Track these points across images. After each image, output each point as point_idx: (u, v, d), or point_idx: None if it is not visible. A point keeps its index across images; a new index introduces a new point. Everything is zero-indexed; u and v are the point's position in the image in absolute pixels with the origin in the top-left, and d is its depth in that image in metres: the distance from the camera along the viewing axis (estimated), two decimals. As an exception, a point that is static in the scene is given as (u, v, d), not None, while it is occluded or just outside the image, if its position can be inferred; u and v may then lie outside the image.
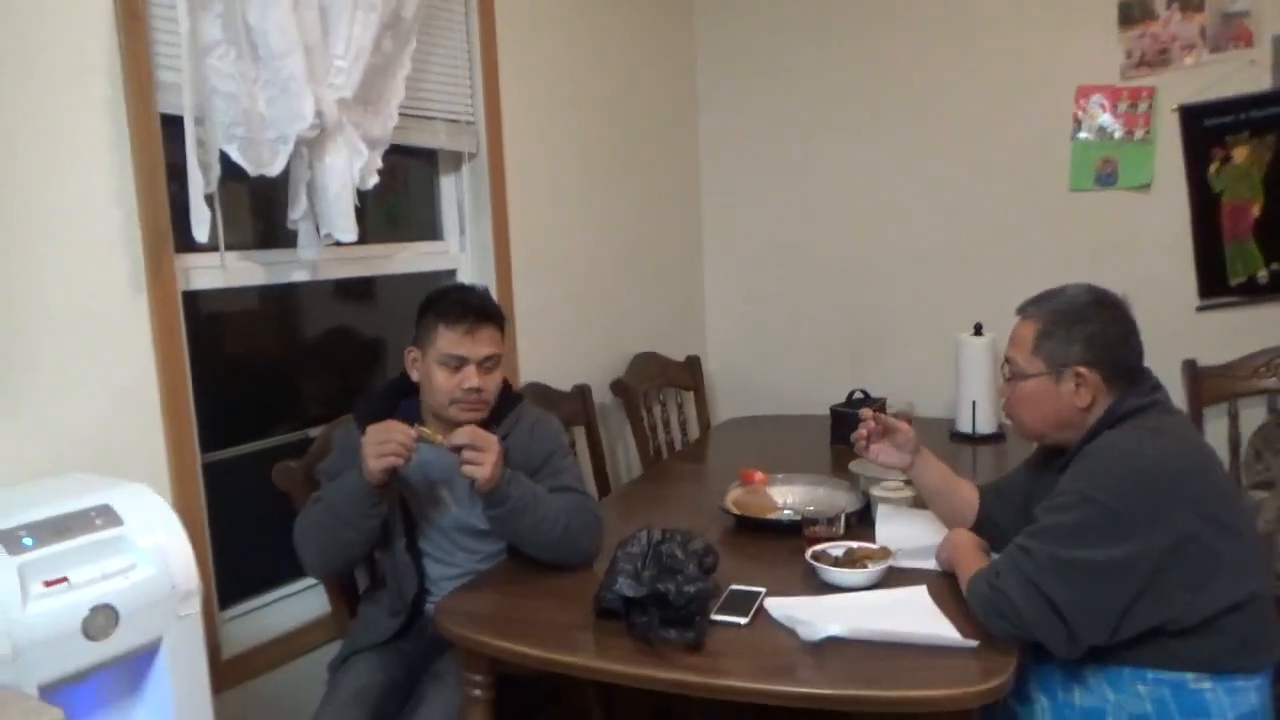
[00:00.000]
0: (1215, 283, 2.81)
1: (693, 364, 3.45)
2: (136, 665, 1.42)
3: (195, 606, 1.45)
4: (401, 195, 2.51)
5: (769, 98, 3.46)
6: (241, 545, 2.05)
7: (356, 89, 1.98)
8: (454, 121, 2.46)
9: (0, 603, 1.23)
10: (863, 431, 1.82)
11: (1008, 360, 1.66)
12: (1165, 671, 1.44)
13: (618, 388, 3.01)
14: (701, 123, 3.61)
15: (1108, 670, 1.47)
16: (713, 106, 3.58)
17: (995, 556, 1.65)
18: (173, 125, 1.74)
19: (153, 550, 1.40)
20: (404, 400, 1.95)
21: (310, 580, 2.20)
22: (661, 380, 3.25)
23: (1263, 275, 2.78)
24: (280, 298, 2.25)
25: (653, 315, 3.37)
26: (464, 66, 2.48)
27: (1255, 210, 2.76)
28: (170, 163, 1.76)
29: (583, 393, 2.82)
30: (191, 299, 1.91)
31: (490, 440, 1.76)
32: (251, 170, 1.81)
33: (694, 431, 3.41)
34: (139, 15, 1.68)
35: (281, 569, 2.19)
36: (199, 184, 1.72)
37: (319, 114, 1.87)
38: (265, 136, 1.82)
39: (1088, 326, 1.55)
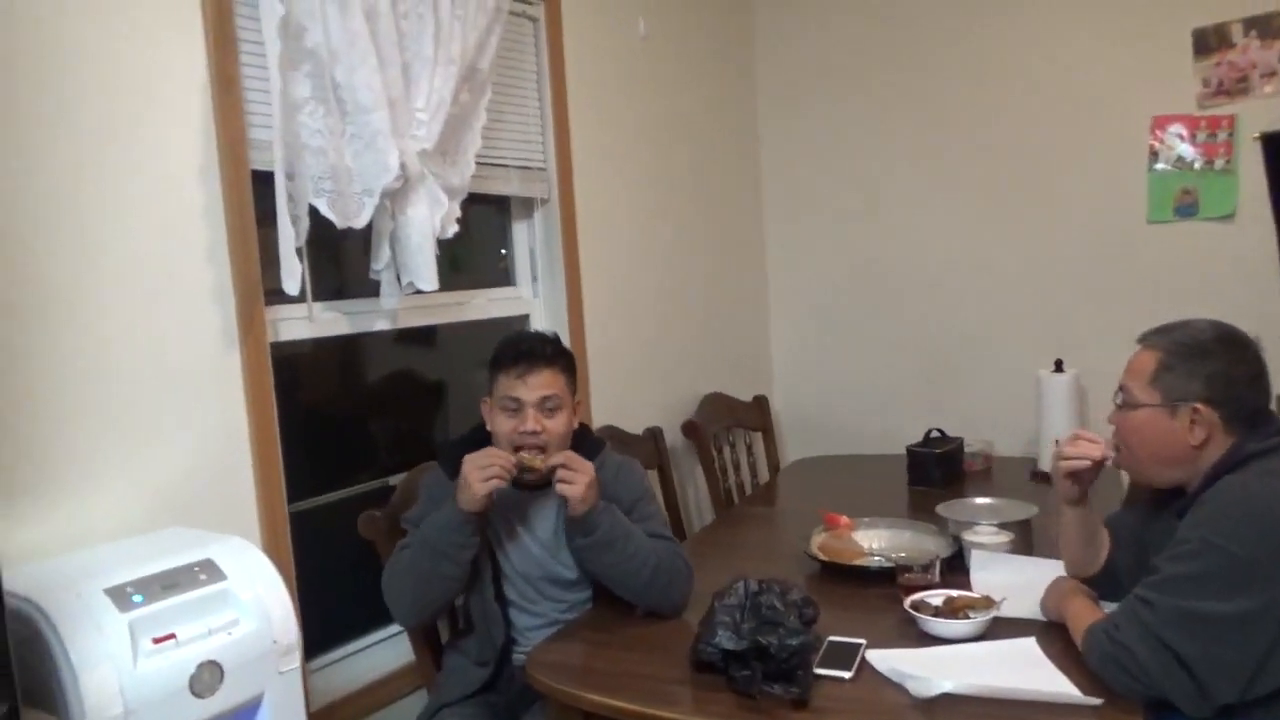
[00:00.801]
0: (1307, 314, 2.71)
1: (761, 404, 3.42)
2: (238, 721, 1.41)
3: (296, 661, 1.44)
4: (470, 242, 2.53)
5: (833, 135, 3.46)
6: (323, 595, 2.05)
7: (437, 140, 2.00)
8: (526, 168, 2.48)
9: (112, 660, 1.23)
10: (1096, 455, 1.64)
11: (1122, 388, 1.59)
12: None
13: (689, 429, 2.98)
14: (765, 161, 3.61)
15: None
16: (776, 145, 3.58)
17: (1105, 605, 1.59)
18: (262, 181, 1.78)
19: (254, 605, 1.40)
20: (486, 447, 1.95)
21: (391, 630, 2.19)
22: (730, 421, 3.22)
23: (1357, 305, 2.69)
24: (345, 346, 2.27)
25: (720, 355, 3.35)
26: (535, 114, 2.50)
27: (1346, 239, 2.68)
28: (258, 216, 1.79)
29: (655, 435, 2.80)
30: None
31: (585, 463, 1.77)
32: (339, 223, 1.83)
33: (763, 472, 3.37)
34: (233, 78, 1.72)
35: (363, 618, 2.18)
36: (289, 237, 1.75)
37: (402, 166, 1.90)
38: (352, 190, 1.85)
39: (1211, 364, 1.49)
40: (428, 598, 1.86)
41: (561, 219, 2.57)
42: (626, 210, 2.87)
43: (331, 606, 2.11)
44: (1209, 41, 2.79)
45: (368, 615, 2.18)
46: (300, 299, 1.88)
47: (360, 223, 1.87)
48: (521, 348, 1.86)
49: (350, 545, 2.01)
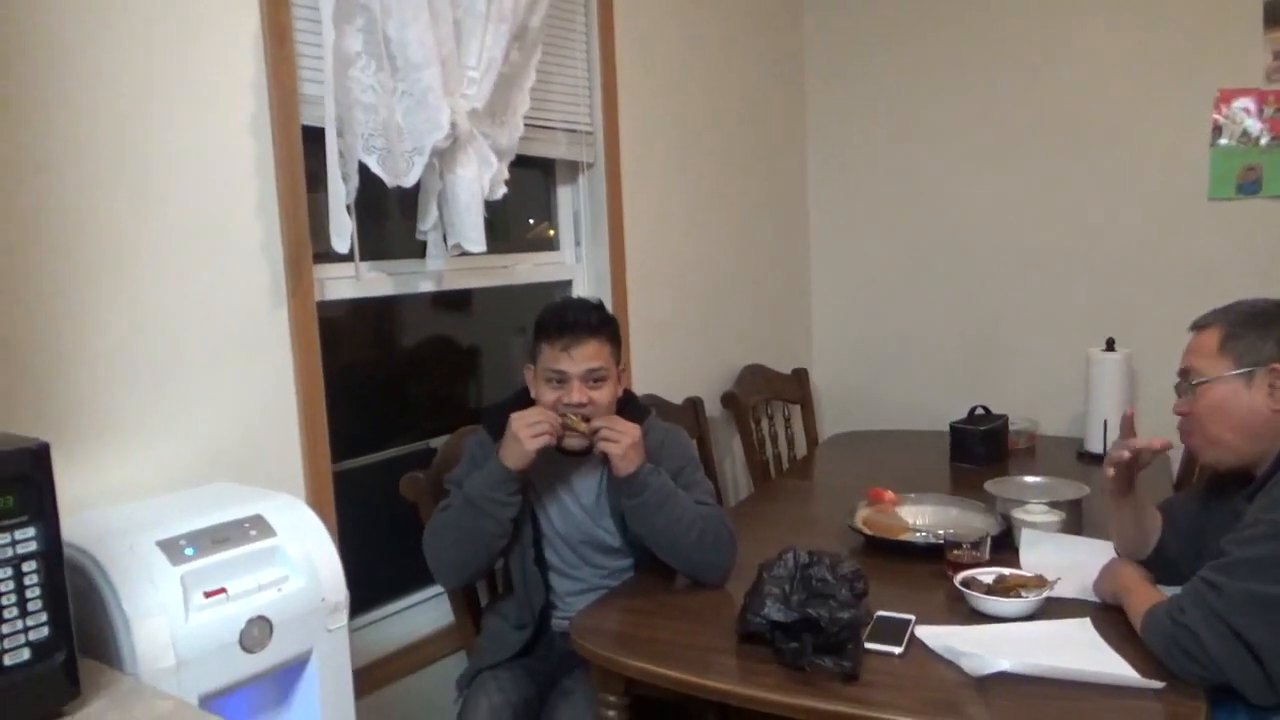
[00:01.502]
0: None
1: (800, 377, 3.38)
2: (285, 677, 1.41)
3: (343, 619, 1.44)
4: (512, 206, 2.51)
5: (881, 106, 3.38)
6: (364, 555, 2.06)
7: (487, 99, 1.97)
8: (573, 131, 2.44)
9: (165, 612, 1.23)
10: (1125, 454, 1.58)
11: (1185, 372, 1.53)
12: None
13: (728, 400, 2.96)
14: (811, 134, 3.54)
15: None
16: (822, 117, 3.51)
17: (1162, 589, 1.55)
18: (311, 138, 1.76)
19: (303, 562, 1.40)
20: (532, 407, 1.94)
21: (431, 591, 2.20)
22: (769, 393, 3.19)
23: None
24: (383, 309, 2.26)
25: (760, 327, 3.31)
26: (584, 77, 2.46)
27: None
28: (307, 174, 1.77)
29: (695, 405, 2.78)
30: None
31: (628, 424, 1.77)
32: (389, 181, 1.81)
33: (800, 445, 3.33)
34: (285, 30, 1.70)
35: (403, 579, 2.19)
36: (340, 194, 1.73)
37: (453, 124, 1.87)
38: (402, 148, 1.83)
39: (1279, 328, 1.45)
40: (469, 557, 1.86)
41: (607, 184, 2.54)
42: (671, 178, 2.83)
43: (373, 567, 2.12)
44: (1281, 12, 2.69)
45: (408, 576, 2.18)
46: (348, 258, 1.86)
47: (409, 181, 1.85)
48: (567, 318, 1.83)
49: (391, 506, 2.01)
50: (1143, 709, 1.30)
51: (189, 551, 1.29)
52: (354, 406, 2.16)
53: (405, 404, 2.38)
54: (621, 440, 1.75)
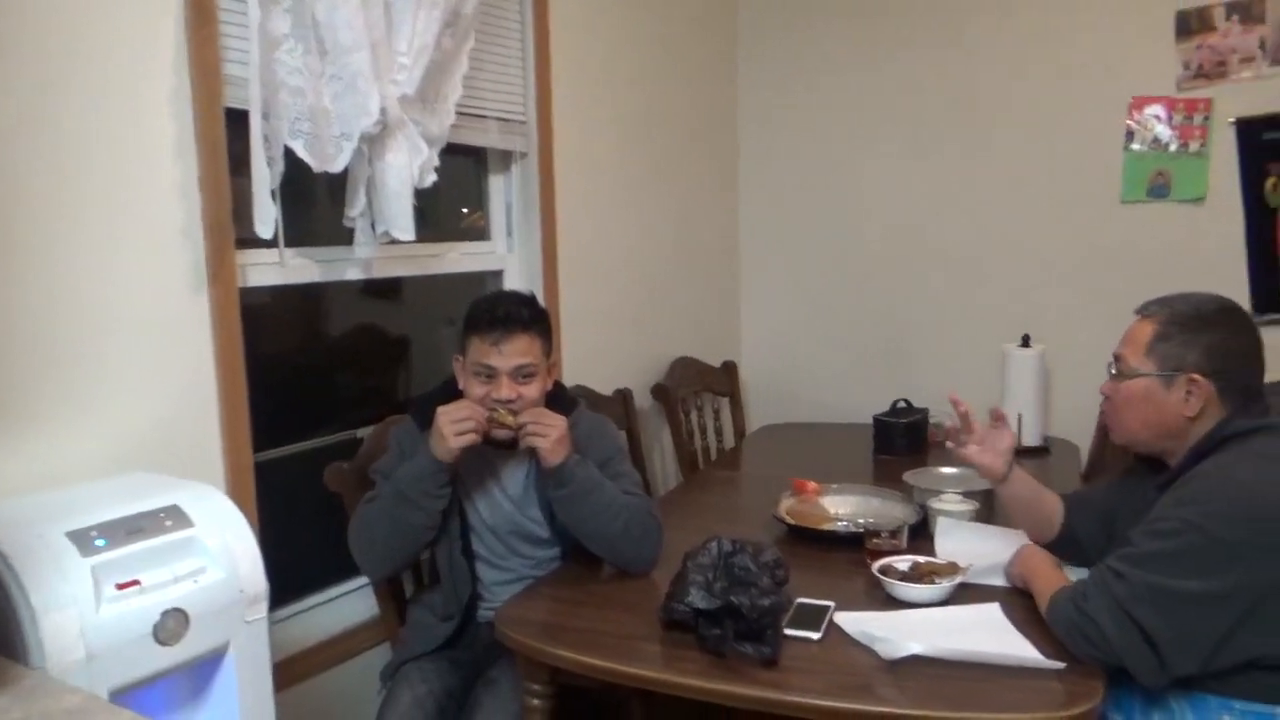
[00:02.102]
0: (1269, 298, 2.76)
1: (729, 370, 3.42)
2: (202, 670, 1.39)
3: (262, 611, 1.42)
4: (442, 195, 2.49)
5: (810, 101, 3.43)
6: (286, 546, 2.03)
7: (418, 86, 1.95)
8: (506, 121, 2.43)
9: (75, 605, 1.20)
10: (950, 426, 1.76)
11: (1117, 358, 1.59)
12: (1253, 703, 1.39)
13: (658, 392, 2.98)
14: (741, 127, 3.58)
15: (1193, 697, 1.43)
16: (753, 113, 3.55)
17: (1069, 571, 1.62)
18: (236, 120, 1.72)
19: (222, 553, 1.38)
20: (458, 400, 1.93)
21: (355, 583, 2.17)
22: (698, 385, 3.22)
23: (1318, 292, 2.74)
24: (309, 297, 2.22)
25: (690, 320, 3.34)
26: (517, 66, 2.45)
27: (1312, 226, 2.73)
28: (231, 157, 1.73)
29: (624, 397, 2.80)
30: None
31: (555, 416, 1.77)
32: (316, 167, 1.79)
33: (729, 437, 3.38)
34: (208, 8, 1.66)
35: (327, 571, 2.16)
36: (264, 178, 1.70)
37: (382, 110, 1.85)
38: (330, 133, 1.80)
39: (1211, 334, 1.48)
40: (396, 548, 1.85)
41: (540, 174, 2.53)
42: (605, 170, 2.83)
43: (295, 558, 2.09)
44: (1191, 24, 2.80)
45: (332, 568, 2.16)
46: (273, 244, 1.83)
47: (337, 167, 1.82)
48: (498, 312, 1.82)
49: (314, 497, 1.98)
50: (1044, 688, 1.36)
51: (100, 543, 1.26)
52: (278, 395, 2.12)
53: (331, 393, 2.35)
54: (549, 434, 1.75)
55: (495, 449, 1.87)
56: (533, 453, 1.81)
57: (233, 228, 1.74)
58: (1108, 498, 1.71)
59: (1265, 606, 1.35)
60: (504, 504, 1.93)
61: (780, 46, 3.46)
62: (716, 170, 3.50)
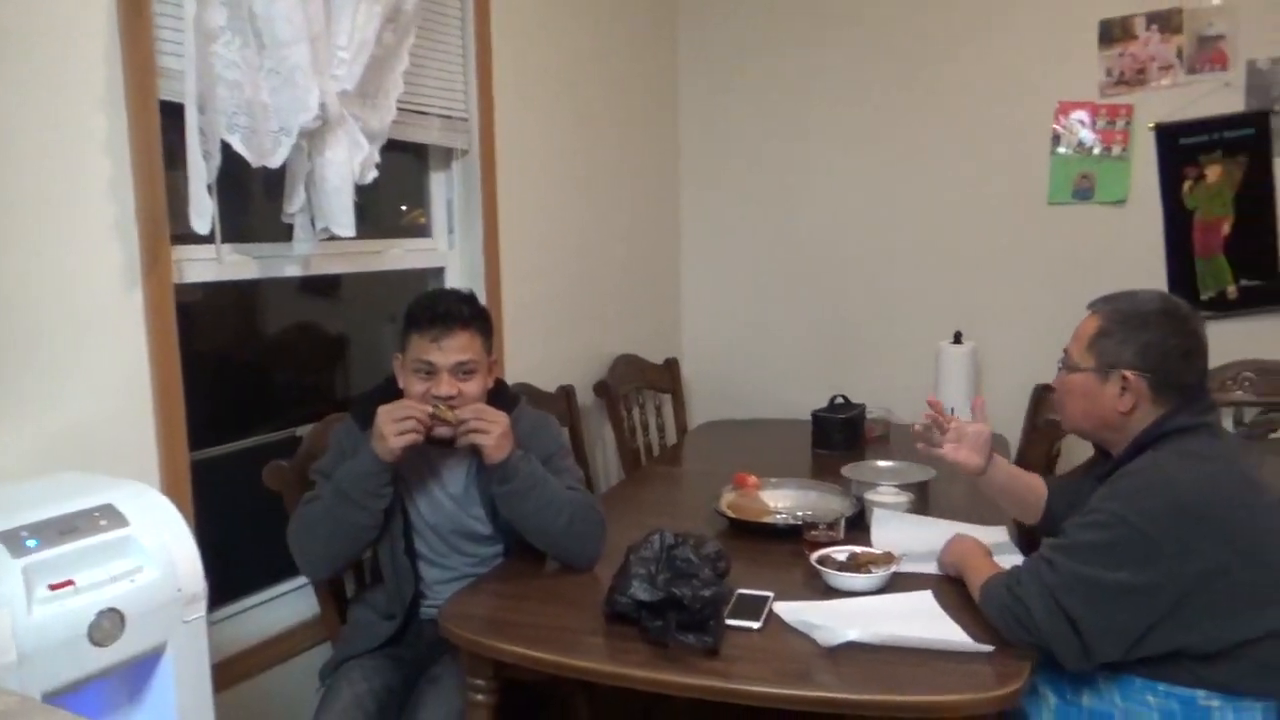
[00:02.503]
0: (1186, 297, 2.84)
1: (671, 367, 3.46)
2: (139, 671, 1.37)
3: (201, 610, 1.40)
4: (383, 191, 2.47)
5: (751, 103, 3.48)
6: (224, 546, 2.00)
7: (358, 81, 1.94)
8: (447, 117, 2.42)
9: (6, 606, 1.17)
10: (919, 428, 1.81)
11: (1065, 351, 1.66)
12: (1177, 686, 1.45)
13: (600, 389, 3.00)
14: (683, 127, 3.62)
15: (1120, 678, 1.49)
16: (694, 113, 3.59)
17: (1000, 559, 1.68)
18: (171, 114, 1.69)
19: (158, 552, 1.35)
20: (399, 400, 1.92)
21: (295, 583, 2.15)
22: (640, 383, 3.25)
23: (1232, 291, 2.87)
24: (247, 294, 2.19)
25: (632, 318, 3.36)
26: (458, 63, 2.45)
27: (1226, 228, 2.86)
28: (165, 151, 1.70)
29: (567, 394, 2.81)
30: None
31: (497, 413, 1.77)
32: (254, 161, 1.76)
33: (671, 434, 3.41)
34: (142, 2, 1.62)
35: (266, 571, 2.14)
36: (200, 173, 1.67)
37: (322, 105, 1.83)
38: (268, 127, 1.78)
39: (1147, 334, 1.53)
40: (338, 548, 1.84)
41: (481, 171, 2.53)
42: (547, 167, 2.84)
43: (234, 558, 2.06)
44: (1113, 32, 2.91)
45: (271, 567, 2.13)
46: (208, 239, 1.80)
47: (276, 162, 1.80)
48: (437, 309, 1.82)
49: (253, 496, 1.96)
50: (974, 670, 1.41)
51: (32, 543, 1.23)
52: (215, 393, 2.09)
53: (270, 391, 2.32)
54: (492, 430, 1.76)
55: (436, 447, 1.87)
56: (474, 450, 1.81)
57: (168, 223, 1.71)
58: (1079, 484, 1.76)
59: (1189, 602, 1.40)
60: (445, 503, 1.93)
61: (721, 47, 3.51)
62: (658, 168, 3.53)
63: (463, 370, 1.82)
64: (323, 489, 1.84)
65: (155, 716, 1.39)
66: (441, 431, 1.79)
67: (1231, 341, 2.78)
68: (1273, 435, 2.52)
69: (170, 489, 1.73)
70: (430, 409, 1.76)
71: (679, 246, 3.68)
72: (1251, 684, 1.44)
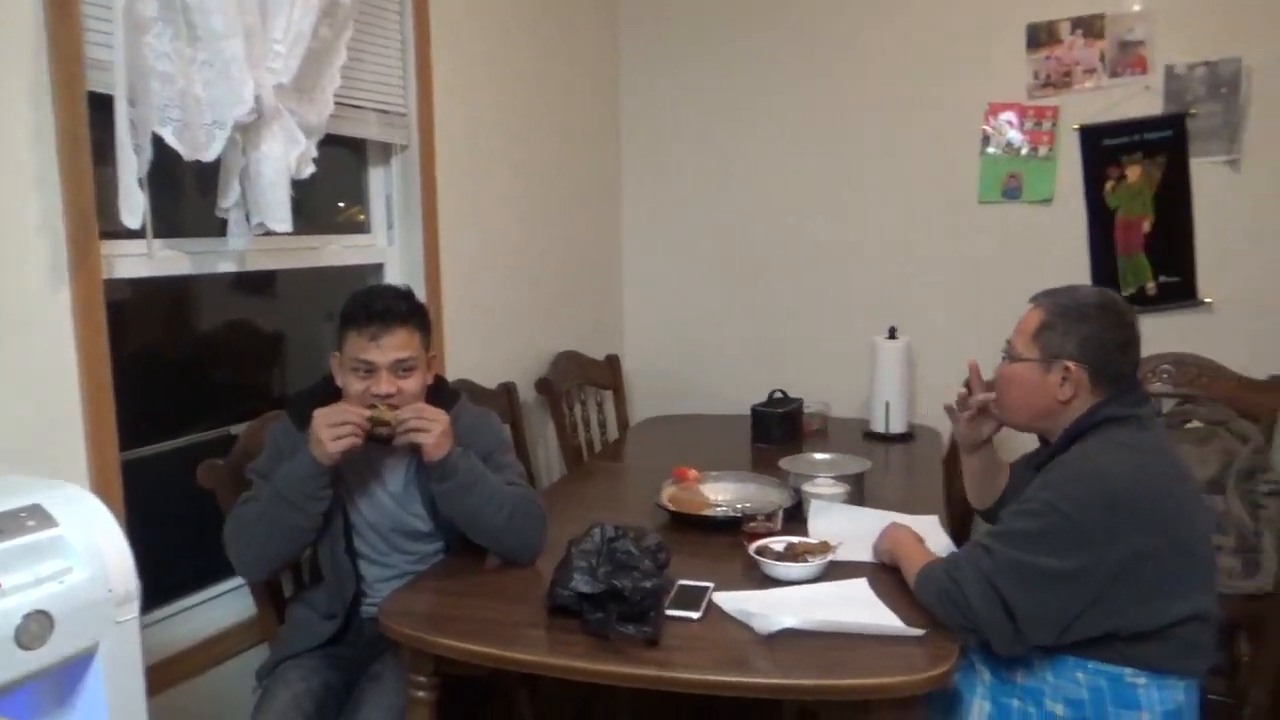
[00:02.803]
0: (1108, 293, 2.99)
1: (612, 363, 3.47)
2: (70, 674, 1.34)
3: (134, 611, 1.38)
4: (320, 187, 2.44)
5: (690, 103, 3.51)
6: (158, 547, 1.96)
7: (294, 75, 1.92)
8: (386, 113, 2.41)
9: (-72, 609, 1.14)
10: (965, 392, 1.86)
11: (1009, 342, 1.71)
12: (1106, 664, 1.51)
13: (542, 386, 3.00)
14: (624, 125, 3.64)
15: (1052, 657, 1.55)
16: (635, 110, 3.61)
17: (932, 547, 1.73)
18: (101, 107, 1.65)
19: (88, 552, 1.33)
20: (335, 400, 1.90)
21: (231, 584, 2.12)
22: (582, 379, 3.26)
23: (1151, 287, 2.99)
24: (180, 291, 2.15)
25: (574, 314, 3.37)
26: (397, 57, 2.43)
27: (1146, 226, 2.96)
28: (95, 144, 1.67)
29: (508, 391, 2.81)
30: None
31: (436, 411, 1.76)
32: (187, 155, 1.73)
33: (613, 430, 3.43)
34: (68, -13, 1.59)
35: (202, 571, 2.10)
36: (131, 166, 1.64)
37: (257, 99, 1.81)
38: (201, 120, 1.75)
39: (1088, 326, 1.60)
40: (276, 550, 1.82)
41: (421, 167, 2.51)
42: (486, 163, 2.83)
43: (169, 558, 2.03)
44: (1040, 36, 3.01)
45: (207, 568, 2.09)
46: (140, 234, 1.77)
47: (210, 155, 1.77)
48: (374, 306, 1.81)
49: (188, 496, 1.93)
50: (906, 653, 1.46)
51: (-45, 544, 1.20)
52: (147, 392, 2.05)
53: (204, 389, 2.28)
54: (432, 429, 1.75)
55: (376, 445, 1.86)
56: (414, 449, 1.81)
57: (96, 219, 1.67)
58: (1021, 473, 1.82)
59: (1117, 587, 1.47)
60: (386, 501, 1.93)
61: (661, 45, 3.53)
62: (600, 166, 3.54)
63: (401, 368, 1.81)
64: (259, 489, 1.82)
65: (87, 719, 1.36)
66: (381, 432, 1.78)
67: (1150, 335, 2.85)
68: (1188, 425, 2.63)
69: (101, 489, 1.69)
70: (368, 412, 1.75)
71: (620, 244, 3.70)
72: (1175, 663, 1.51)
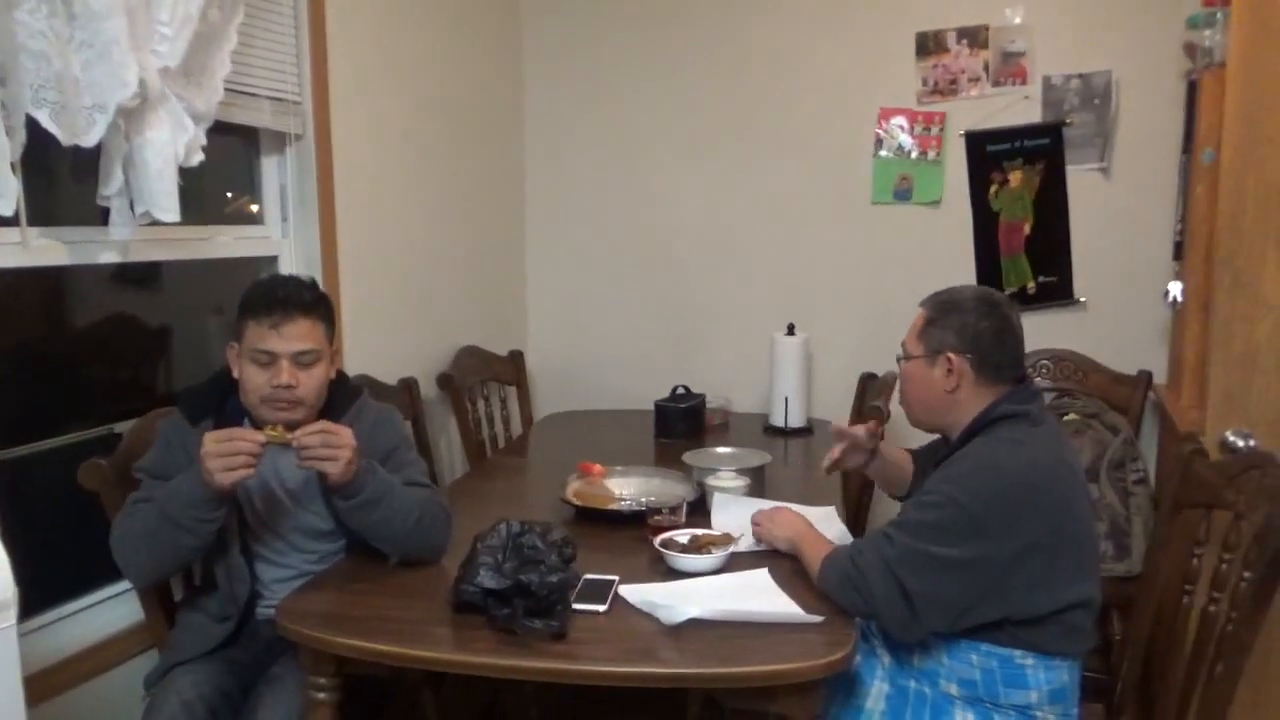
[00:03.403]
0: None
1: (515, 359, 3.45)
2: (-60, 687, 1.26)
3: (11, 619, 1.31)
4: (210, 177, 2.35)
5: (594, 98, 3.52)
6: (34, 551, 1.86)
7: (181, 59, 1.84)
8: (279, 100, 2.33)
9: None
10: (836, 454, 1.99)
11: (902, 344, 1.78)
12: (997, 647, 1.59)
13: (443, 381, 2.96)
14: (528, 118, 3.62)
15: (948, 640, 1.62)
16: (538, 103, 3.59)
17: (828, 534, 1.79)
18: (-32, 85, 1.56)
19: (-40, 558, 1.26)
20: (231, 398, 1.84)
21: (117, 588, 2.03)
22: (485, 374, 3.23)
23: (1031, 286, 3.14)
24: (56, 283, 2.04)
25: (476, 309, 3.34)
26: (290, 44, 2.36)
27: (1026, 229, 3.12)
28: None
29: (409, 386, 2.76)
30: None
31: (346, 434, 1.69)
32: (65, 139, 1.65)
33: (517, 426, 3.41)
34: (-69, -43, 1.49)
35: (83, 576, 2.00)
36: (3, 151, 1.55)
37: (141, 82, 1.73)
38: (80, 103, 1.66)
39: (962, 317, 1.67)
40: (164, 564, 1.76)
41: (317, 157, 2.45)
42: (387, 154, 2.78)
43: (48, 563, 1.92)
44: (928, 45, 3.13)
45: (89, 572, 2.00)
46: (13, 222, 1.67)
47: (90, 141, 1.69)
48: (277, 295, 1.76)
49: (68, 497, 1.83)
50: (806, 639, 1.50)
51: None
52: (22, 389, 1.94)
53: (84, 387, 2.17)
54: (340, 456, 1.66)
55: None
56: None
57: (-35, 204, 1.58)
58: (923, 466, 1.89)
59: (1009, 576, 1.54)
60: (283, 500, 1.87)
61: (566, 38, 3.53)
62: (502, 159, 3.51)
63: (303, 359, 1.76)
64: (149, 489, 1.74)
65: (-41, 736, 1.29)
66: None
67: (1032, 333, 2.99)
68: (1065, 418, 2.78)
69: (-30, 492, 1.60)
70: (262, 436, 1.65)
71: (524, 238, 3.68)
72: (1061, 645, 1.60)
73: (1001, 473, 1.56)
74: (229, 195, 2.47)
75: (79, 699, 1.84)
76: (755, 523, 1.88)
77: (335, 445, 1.66)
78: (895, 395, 1.91)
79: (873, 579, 1.54)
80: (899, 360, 1.80)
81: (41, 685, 1.73)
